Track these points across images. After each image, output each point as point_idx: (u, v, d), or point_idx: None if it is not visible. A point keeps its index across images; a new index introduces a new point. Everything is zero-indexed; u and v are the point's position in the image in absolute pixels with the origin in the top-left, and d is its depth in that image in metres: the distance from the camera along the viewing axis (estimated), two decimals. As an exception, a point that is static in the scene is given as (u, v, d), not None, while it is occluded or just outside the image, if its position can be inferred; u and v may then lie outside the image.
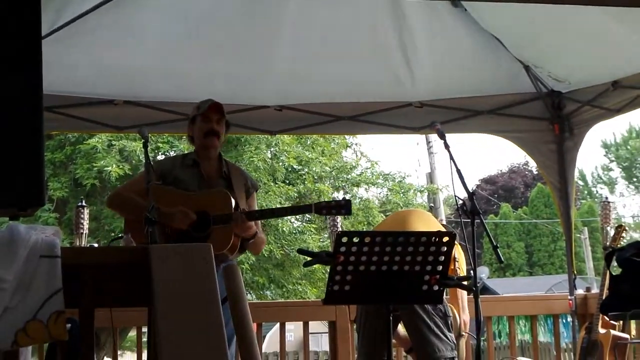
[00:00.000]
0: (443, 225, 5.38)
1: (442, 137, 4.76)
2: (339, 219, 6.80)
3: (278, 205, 14.33)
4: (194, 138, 5.13)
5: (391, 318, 4.02)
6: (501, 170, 40.89)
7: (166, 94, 6.61)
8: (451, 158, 4.59)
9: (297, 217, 15.82)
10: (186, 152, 5.51)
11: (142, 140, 4.66)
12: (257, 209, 5.32)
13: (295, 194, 15.33)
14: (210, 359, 2.29)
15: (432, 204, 21.24)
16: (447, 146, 4.65)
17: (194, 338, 2.34)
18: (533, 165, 36.86)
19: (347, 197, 16.22)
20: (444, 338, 4.72)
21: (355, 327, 5.34)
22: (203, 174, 5.04)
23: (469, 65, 6.76)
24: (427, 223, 5.07)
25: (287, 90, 6.82)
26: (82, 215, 6.86)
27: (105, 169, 13.33)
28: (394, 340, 4.74)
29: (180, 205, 4.77)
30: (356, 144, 17.77)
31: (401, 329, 5.11)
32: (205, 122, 5.05)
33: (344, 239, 3.81)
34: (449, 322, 4.80)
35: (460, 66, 6.76)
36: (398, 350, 6.81)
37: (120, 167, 13.44)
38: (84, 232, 6.48)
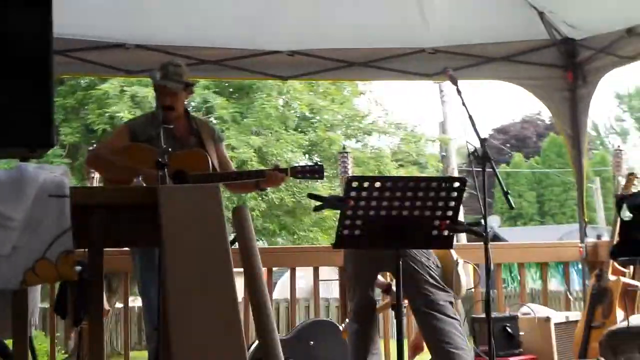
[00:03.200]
0: None
1: (455, 82, 4.74)
2: (350, 165, 6.80)
3: (289, 154, 14.32)
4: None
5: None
6: (514, 120, 40.74)
7: (177, 38, 6.59)
8: (463, 104, 4.58)
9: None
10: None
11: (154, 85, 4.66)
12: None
13: (307, 142, 15.26)
14: (219, 297, 2.30)
15: (443, 153, 21.17)
16: (459, 92, 4.65)
17: (203, 278, 2.34)
18: (546, 115, 36.72)
19: (356, 145, 16.26)
20: (439, 285, 4.80)
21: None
22: (175, 133, 5.04)
23: (483, 11, 6.68)
24: None
25: (299, 36, 6.78)
26: (93, 161, 6.83)
27: (117, 114, 13.29)
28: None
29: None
30: (370, 91, 17.63)
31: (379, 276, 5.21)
32: (162, 96, 4.96)
33: (355, 184, 3.81)
34: (440, 273, 4.87)
35: (474, 12, 6.68)
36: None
37: (132, 113, 13.37)
38: (95, 177, 6.47)
